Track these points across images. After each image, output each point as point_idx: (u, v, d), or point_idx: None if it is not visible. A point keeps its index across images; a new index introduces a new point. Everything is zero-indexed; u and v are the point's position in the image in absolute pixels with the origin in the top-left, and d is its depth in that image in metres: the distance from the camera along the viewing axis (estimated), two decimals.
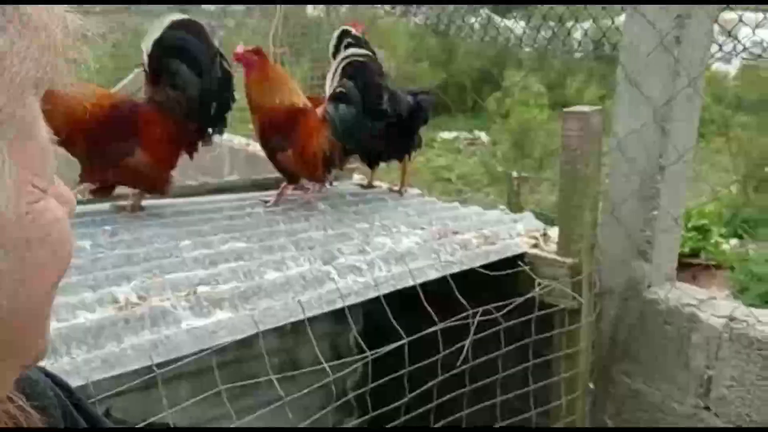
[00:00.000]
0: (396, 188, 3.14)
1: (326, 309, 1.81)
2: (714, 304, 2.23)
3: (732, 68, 10.59)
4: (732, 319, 2.12)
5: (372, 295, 1.92)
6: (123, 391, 1.61)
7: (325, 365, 1.83)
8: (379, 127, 2.60)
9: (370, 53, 2.53)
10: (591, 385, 2.54)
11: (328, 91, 2.55)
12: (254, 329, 1.71)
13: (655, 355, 2.40)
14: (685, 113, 2.21)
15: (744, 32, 2.95)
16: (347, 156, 2.69)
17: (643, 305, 2.40)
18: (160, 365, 1.56)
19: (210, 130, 2.48)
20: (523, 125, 8.09)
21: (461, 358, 2.02)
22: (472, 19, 4.87)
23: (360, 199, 2.94)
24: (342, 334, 2.98)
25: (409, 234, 2.44)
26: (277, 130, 2.57)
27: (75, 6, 0.46)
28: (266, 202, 2.75)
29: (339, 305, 1.81)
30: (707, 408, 2.21)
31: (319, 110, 2.57)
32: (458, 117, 11.26)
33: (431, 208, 2.88)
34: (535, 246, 2.44)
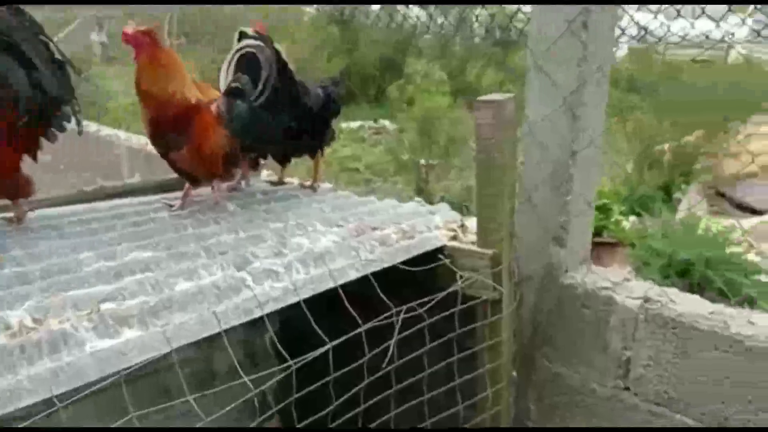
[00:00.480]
0: (308, 184, 3.04)
1: (244, 319, 1.71)
2: (628, 287, 2.27)
3: (621, 52, 11.06)
4: (647, 300, 2.17)
5: (292, 300, 1.82)
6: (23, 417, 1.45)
7: (246, 379, 1.72)
8: (282, 121, 2.49)
9: (263, 44, 2.39)
10: (514, 374, 2.55)
11: (222, 86, 2.41)
12: (167, 347, 1.58)
13: (573, 339, 2.43)
14: (594, 98, 2.23)
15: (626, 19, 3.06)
16: (248, 153, 2.55)
17: (560, 290, 2.42)
18: (62, 396, 1.41)
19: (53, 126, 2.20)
20: (427, 113, 8.12)
21: (386, 359, 1.97)
22: (375, 7, 4.82)
23: (271, 197, 2.83)
24: (258, 339, 2.87)
25: (326, 233, 2.35)
26: (170, 126, 2.40)
27: None
28: (171, 206, 2.59)
29: (257, 314, 1.71)
30: (627, 389, 2.26)
31: (213, 106, 2.43)
32: (363, 106, 11.24)
33: (346, 203, 2.80)
34: (454, 238, 2.41)
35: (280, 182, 3.09)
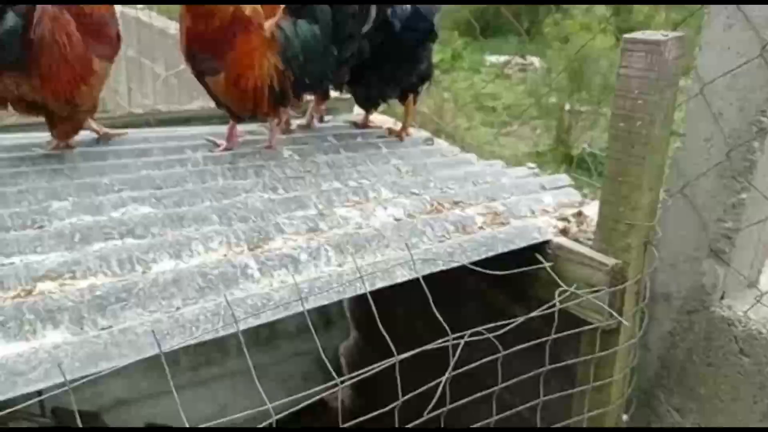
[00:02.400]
0: (395, 130, 2.43)
1: (206, 336, 1.16)
2: None
3: None
4: None
5: (296, 310, 1.26)
6: None
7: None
8: (352, 53, 1.88)
9: None
10: (625, 418, 1.87)
11: None
12: (93, 366, 1.09)
13: (720, 393, 1.72)
14: None
15: None
16: (305, 91, 1.96)
17: (710, 323, 1.70)
18: None
19: None
20: (582, 52, 7.10)
21: (438, 392, 1.37)
22: None
23: (343, 144, 2.25)
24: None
25: (389, 203, 1.75)
26: (206, 44, 1.87)
27: None
28: (217, 144, 2.09)
29: (231, 330, 1.16)
30: None
31: (267, 25, 1.85)
32: (511, 39, 10.25)
33: (434, 163, 2.17)
34: (564, 232, 1.73)
35: (364, 125, 2.51)
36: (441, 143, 2.52)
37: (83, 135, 2.04)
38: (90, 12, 1.78)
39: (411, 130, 2.46)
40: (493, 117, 8.19)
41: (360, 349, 3.01)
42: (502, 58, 9.74)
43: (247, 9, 1.86)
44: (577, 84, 7.67)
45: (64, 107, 1.79)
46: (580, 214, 1.78)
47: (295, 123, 2.37)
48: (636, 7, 10.93)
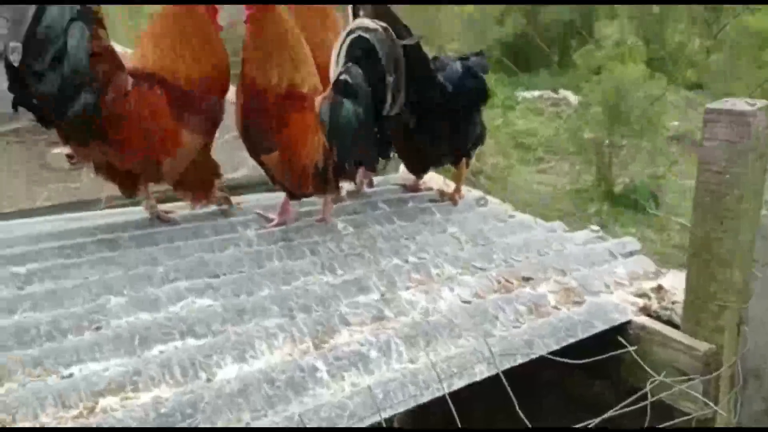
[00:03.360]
0: (448, 193, 2.34)
1: None
2: None
3: None
4: None
5: (374, 420, 1.17)
6: None
7: None
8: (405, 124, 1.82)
9: (383, 25, 1.70)
10: None
11: (332, 75, 1.76)
12: None
13: None
14: None
15: None
16: (349, 171, 1.88)
17: None
18: None
19: None
20: (618, 85, 6.98)
21: None
22: None
23: (396, 212, 2.17)
24: None
25: (454, 281, 1.66)
26: (263, 121, 1.83)
27: None
28: (268, 219, 2.03)
29: None
30: None
31: (317, 101, 1.79)
32: (542, 74, 10.19)
33: (493, 229, 2.08)
34: (645, 309, 1.61)
35: (415, 188, 2.43)
36: (493, 201, 2.43)
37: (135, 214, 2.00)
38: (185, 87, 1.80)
39: (462, 190, 2.38)
40: (530, 154, 8.08)
41: None
42: (535, 93, 9.66)
43: (304, 85, 1.81)
44: (615, 117, 7.55)
45: (150, 174, 1.86)
46: (659, 288, 1.67)
47: (344, 189, 2.31)
48: (668, 35, 10.82)
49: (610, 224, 6.44)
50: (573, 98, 9.35)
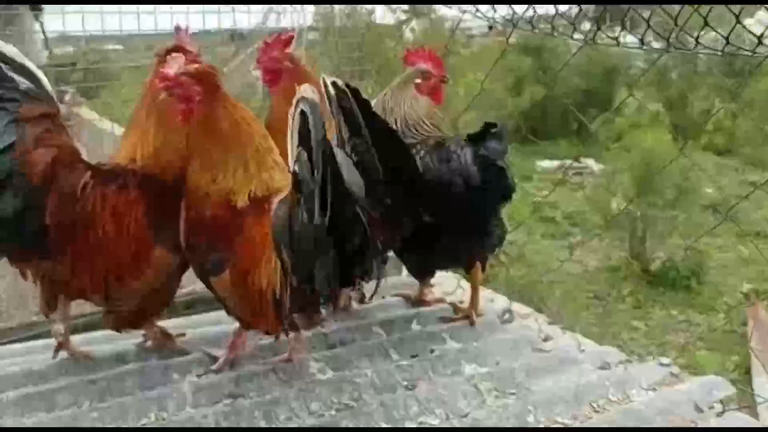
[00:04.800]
0: (463, 309, 1.79)
1: None
2: None
3: None
4: None
5: None
6: None
7: None
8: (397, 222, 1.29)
9: (342, 88, 1.20)
10: None
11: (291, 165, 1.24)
12: None
13: None
14: None
15: None
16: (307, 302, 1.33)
17: None
18: None
19: None
20: (647, 155, 6.48)
21: None
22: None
23: (395, 341, 1.62)
24: None
25: None
26: (210, 235, 1.32)
27: None
28: (213, 357, 1.49)
29: None
30: None
31: (275, 202, 1.27)
32: (560, 143, 9.77)
33: (526, 366, 1.51)
34: None
35: (420, 301, 1.88)
36: (520, 313, 1.88)
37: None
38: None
39: (481, 300, 1.84)
40: (554, 228, 7.53)
41: None
42: (555, 163, 9.19)
43: (261, 186, 1.31)
44: (645, 186, 7.00)
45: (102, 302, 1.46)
46: None
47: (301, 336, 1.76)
48: (691, 100, 10.40)
49: (648, 306, 5.80)
50: (596, 167, 8.86)
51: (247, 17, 3.94)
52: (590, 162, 9.26)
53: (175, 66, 1.36)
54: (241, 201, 1.30)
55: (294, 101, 1.21)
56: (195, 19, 2.83)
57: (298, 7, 3.51)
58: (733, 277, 6.05)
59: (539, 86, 8.79)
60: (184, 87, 1.35)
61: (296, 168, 1.13)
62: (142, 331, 1.57)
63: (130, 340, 1.57)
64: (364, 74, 3.25)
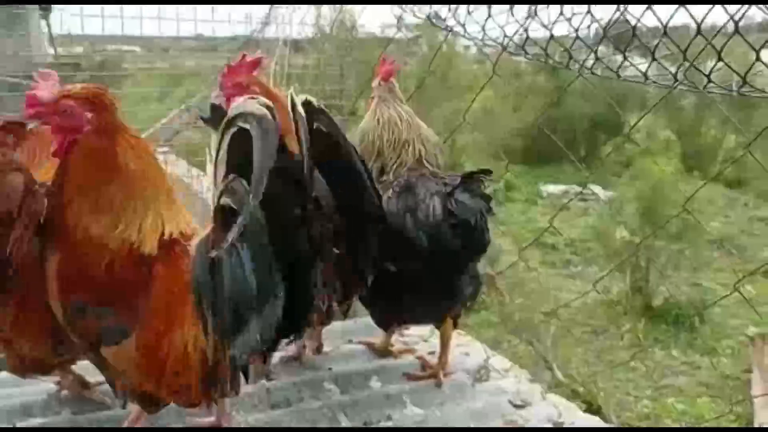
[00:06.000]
0: (431, 365, 1.59)
1: None
2: None
3: None
4: None
5: None
6: None
7: None
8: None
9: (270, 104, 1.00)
10: None
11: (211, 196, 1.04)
12: None
13: None
14: None
15: None
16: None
17: None
18: None
19: None
20: (655, 184, 6.27)
21: None
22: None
23: (348, 402, 1.42)
24: None
25: None
26: (101, 292, 1.10)
27: None
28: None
29: None
30: None
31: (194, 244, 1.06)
32: (565, 168, 9.56)
33: None
34: None
35: (385, 350, 1.68)
36: (500, 367, 1.67)
37: None
38: None
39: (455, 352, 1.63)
40: (555, 255, 7.31)
41: None
42: (561, 188, 8.98)
43: (169, 223, 1.09)
44: (650, 217, 6.78)
45: None
46: None
47: (277, 355, 1.56)
48: (702, 129, 10.18)
49: (648, 345, 5.55)
50: (603, 194, 8.64)
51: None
52: (598, 189, 9.04)
53: (49, 87, 1.08)
54: (149, 247, 1.08)
55: (226, 118, 1.02)
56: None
57: (285, 17, 3.36)
58: (737, 318, 5.80)
59: (549, 107, 8.60)
60: (67, 114, 1.08)
61: (230, 202, 0.93)
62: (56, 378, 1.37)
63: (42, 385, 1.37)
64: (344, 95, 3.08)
